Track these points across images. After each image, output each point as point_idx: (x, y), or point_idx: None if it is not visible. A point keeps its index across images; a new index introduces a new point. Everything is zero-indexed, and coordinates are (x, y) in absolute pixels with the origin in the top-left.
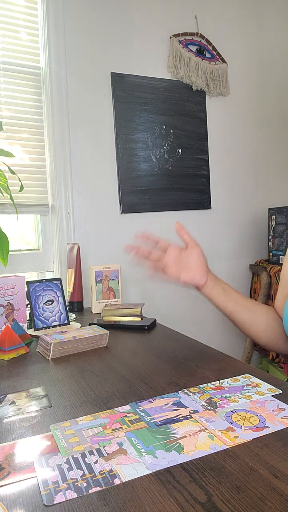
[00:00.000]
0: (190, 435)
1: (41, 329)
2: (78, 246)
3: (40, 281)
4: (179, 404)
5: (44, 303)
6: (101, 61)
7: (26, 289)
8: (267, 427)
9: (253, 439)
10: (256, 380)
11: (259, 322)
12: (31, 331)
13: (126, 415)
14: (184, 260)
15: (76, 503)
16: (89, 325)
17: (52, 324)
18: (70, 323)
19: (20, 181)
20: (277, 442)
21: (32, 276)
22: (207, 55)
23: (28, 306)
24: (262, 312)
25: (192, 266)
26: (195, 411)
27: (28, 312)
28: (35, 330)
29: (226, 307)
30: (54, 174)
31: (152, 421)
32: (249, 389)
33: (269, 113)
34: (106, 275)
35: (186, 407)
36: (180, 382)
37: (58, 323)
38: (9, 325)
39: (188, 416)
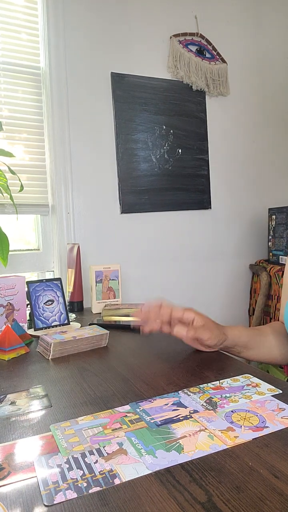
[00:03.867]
0: (190, 435)
1: (41, 329)
2: (78, 246)
3: (40, 281)
4: (179, 404)
5: (44, 303)
6: (101, 61)
7: (26, 289)
8: (267, 427)
9: (253, 439)
10: (256, 380)
11: (275, 354)
12: (31, 331)
13: (126, 415)
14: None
15: (76, 503)
16: (89, 325)
17: (52, 324)
18: (70, 323)
19: (20, 181)
20: (277, 442)
21: (32, 276)
22: (207, 55)
23: (28, 306)
24: (271, 343)
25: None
26: (195, 411)
27: (28, 312)
28: (35, 330)
29: (244, 357)
30: (54, 174)
31: (152, 421)
32: (249, 389)
33: (269, 113)
34: (106, 275)
35: (186, 407)
36: (180, 382)
37: (58, 323)
38: (9, 325)
39: (188, 416)
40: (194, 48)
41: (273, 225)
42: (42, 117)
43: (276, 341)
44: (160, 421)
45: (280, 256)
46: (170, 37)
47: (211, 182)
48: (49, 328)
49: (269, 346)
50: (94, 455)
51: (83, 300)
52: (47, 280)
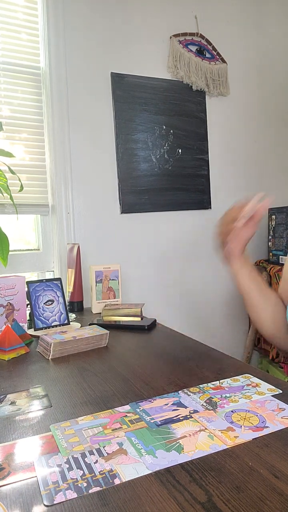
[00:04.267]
0: (190, 435)
1: (41, 329)
2: (78, 246)
3: (40, 281)
4: (179, 404)
5: (44, 303)
6: (101, 61)
7: (26, 289)
8: (267, 427)
9: (253, 439)
10: (256, 380)
11: (269, 310)
12: (31, 331)
13: (126, 415)
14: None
15: (76, 503)
16: (89, 325)
17: (52, 324)
18: (70, 323)
19: (20, 181)
20: (277, 442)
21: (32, 276)
22: (207, 55)
23: (28, 306)
24: (272, 301)
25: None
26: (195, 411)
27: (28, 312)
28: (35, 330)
29: (245, 285)
30: (54, 174)
31: (152, 421)
32: (249, 389)
33: (269, 113)
34: (106, 275)
35: (186, 407)
36: (180, 382)
37: (58, 323)
38: (9, 325)
39: (188, 416)
40: (194, 48)
41: (273, 225)
42: (42, 117)
43: (275, 303)
44: (160, 421)
45: (280, 256)
46: (170, 37)
47: (211, 182)
48: (49, 328)
49: (267, 300)
50: (94, 455)
51: (83, 300)
52: (47, 280)
